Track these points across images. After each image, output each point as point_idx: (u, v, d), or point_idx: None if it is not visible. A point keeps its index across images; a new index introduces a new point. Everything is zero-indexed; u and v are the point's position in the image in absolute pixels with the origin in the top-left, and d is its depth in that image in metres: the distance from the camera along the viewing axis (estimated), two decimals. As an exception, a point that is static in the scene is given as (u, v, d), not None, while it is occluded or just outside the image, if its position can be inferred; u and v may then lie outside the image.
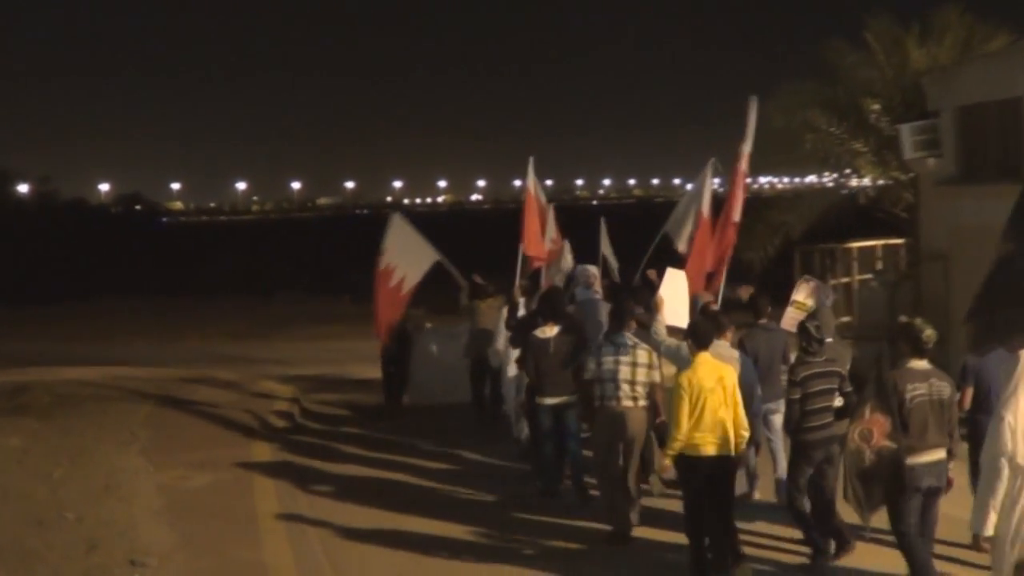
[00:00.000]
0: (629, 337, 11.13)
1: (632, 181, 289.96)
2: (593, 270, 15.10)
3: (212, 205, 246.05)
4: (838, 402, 9.82)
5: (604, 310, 13.56)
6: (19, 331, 32.25)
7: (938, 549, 9.35)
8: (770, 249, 21.75)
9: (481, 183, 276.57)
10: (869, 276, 21.10)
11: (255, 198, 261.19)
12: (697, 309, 12.82)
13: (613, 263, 16.83)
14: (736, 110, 15.13)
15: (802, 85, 21.83)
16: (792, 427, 9.84)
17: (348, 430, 16.87)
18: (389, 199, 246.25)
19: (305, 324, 33.20)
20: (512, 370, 14.06)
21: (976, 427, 9.98)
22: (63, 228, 69.22)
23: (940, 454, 8.75)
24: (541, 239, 16.45)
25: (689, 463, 9.58)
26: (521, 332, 13.21)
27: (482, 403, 16.88)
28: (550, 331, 12.31)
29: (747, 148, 14.71)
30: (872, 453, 8.54)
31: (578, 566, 10.32)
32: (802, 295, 13.05)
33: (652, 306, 12.24)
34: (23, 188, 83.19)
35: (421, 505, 12.31)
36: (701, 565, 9.64)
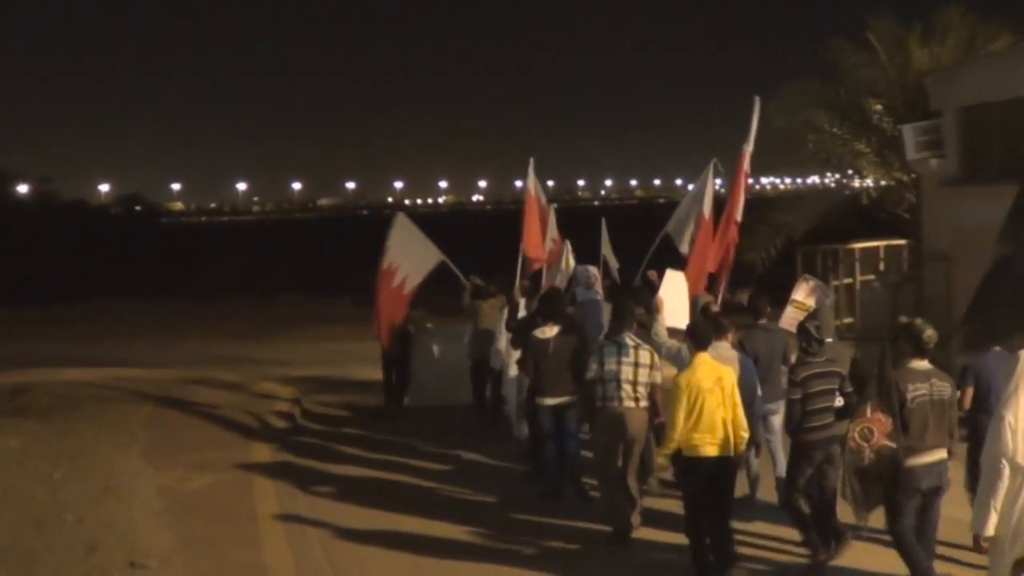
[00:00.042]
0: (631, 338, 11.14)
1: (634, 182, 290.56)
2: (593, 270, 15.16)
3: (212, 206, 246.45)
4: (839, 402, 9.80)
5: (605, 311, 13.58)
6: (19, 332, 32.18)
7: (938, 550, 9.31)
8: (772, 250, 21.76)
9: (482, 183, 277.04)
10: (871, 277, 21.08)
11: (255, 199, 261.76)
12: (697, 310, 12.85)
13: (613, 264, 16.80)
14: (738, 110, 15.16)
15: (804, 85, 21.85)
16: (793, 427, 9.81)
17: (348, 431, 16.84)
18: (390, 200, 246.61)
19: (306, 325, 33.12)
20: (513, 371, 14.02)
21: (976, 427, 9.98)
22: (63, 229, 69.18)
23: (940, 455, 8.75)
24: (541, 241, 16.45)
25: (689, 464, 9.59)
26: (522, 333, 13.19)
27: (483, 404, 16.84)
28: (550, 331, 12.31)
29: (749, 148, 14.69)
30: (871, 452, 8.53)
31: (578, 567, 10.31)
32: (801, 294, 13.02)
33: (652, 307, 12.23)
34: (23, 188, 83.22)
35: (421, 506, 12.28)
36: (703, 567, 9.61)
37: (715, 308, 12.86)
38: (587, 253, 16.51)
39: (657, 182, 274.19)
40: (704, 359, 9.65)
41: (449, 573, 10.33)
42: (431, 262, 17.16)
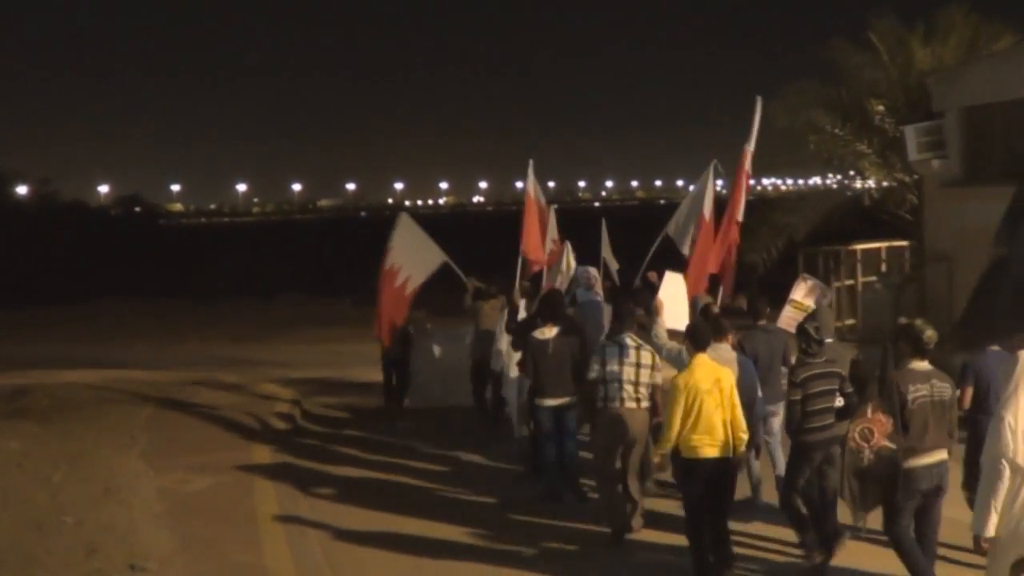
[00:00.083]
0: (632, 338, 11.16)
1: (635, 183, 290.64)
2: (593, 272, 15.19)
3: (212, 207, 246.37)
4: (839, 403, 9.77)
5: (605, 312, 13.56)
6: (18, 333, 32.15)
7: (939, 551, 9.26)
8: (774, 251, 21.72)
9: (483, 185, 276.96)
10: (873, 278, 21.06)
11: (256, 200, 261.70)
12: (697, 311, 12.83)
13: (612, 266, 16.76)
14: (740, 111, 15.16)
15: (806, 86, 21.84)
16: (793, 428, 9.78)
17: (349, 433, 16.78)
18: (390, 201, 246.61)
19: (306, 326, 33.11)
20: (514, 372, 13.98)
21: (976, 427, 9.96)
22: (62, 230, 69.06)
23: (941, 455, 8.73)
24: (541, 242, 16.40)
25: (688, 465, 9.58)
26: (522, 335, 13.17)
27: (483, 405, 16.82)
28: (549, 332, 12.31)
29: (751, 148, 14.67)
30: (871, 453, 8.53)
31: (578, 568, 10.30)
32: (800, 294, 13.04)
33: (652, 309, 12.23)
34: (22, 190, 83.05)
35: (422, 507, 12.25)
36: (703, 568, 9.59)
37: (715, 309, 12.80)
38: (587, 254, 16.48)
39: (658, 183, 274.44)
40: (703, 360, 9.63)
41: (449, 574, 10.30)
42: (434, 263, 17.11)
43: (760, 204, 22.59)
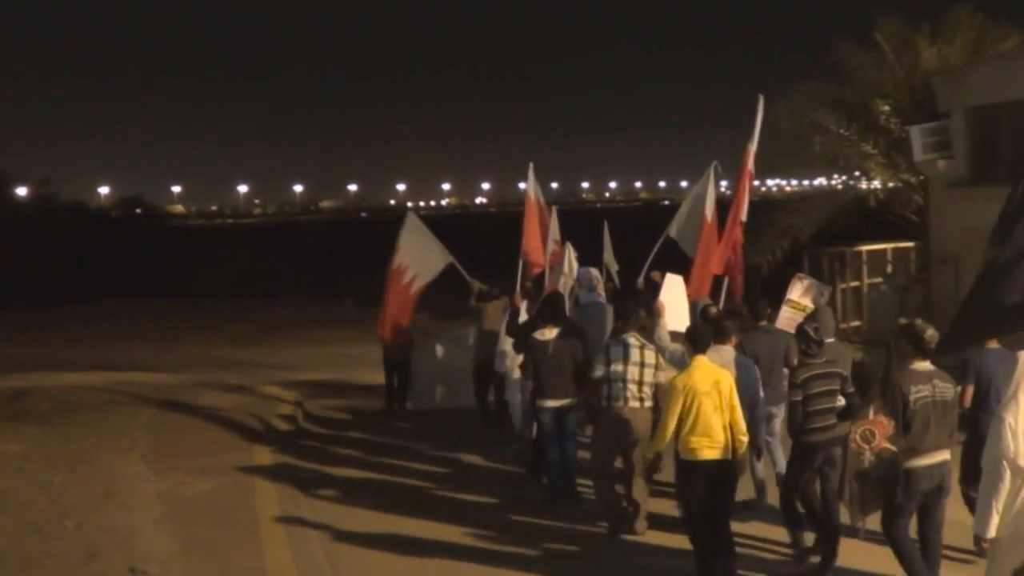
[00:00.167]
0: (636, 337, 11.17)
1: (638, 184, 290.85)
2: (595, 273, 15.23)
3: (213, 208, 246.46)
4: (841, 403, 9.75)
5: (608, 313, 13.58)
6: (18, 335, 32.17)
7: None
8: (778, 252, 21.63)
9: (485, 186, 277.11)
10: (879, 280, 20.98)
11: (257, 201, 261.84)
12: (697, 313, 12.86)
13: (613, 267, 16.72)
14: (744, 111, 15.10)
15: (811, 86, 21.77)
16: (795, 429, 9.77)
17: (351, 435, 16.74)
18: (392, 202, 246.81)
19: (307, 328, 33.11)
20: (518, 373, 14.01)
21: (976, 425, 9.96)
22: (63, 231, 69.12)
23: (942, 456, 8.72)
24: (541, 244, 16.44)
25: (688, 468, 9.57)
26: (523, 336, 13.19)
27: (485, 407, 16.79)
28: (549, 333, 12.30)
29: (754, 147, 14.62)
30: (872, 454, 8.53)
31: (580, 570, 10.31)
32: (796, 294, 13.09)
33: (654, 311, 12.31)
34: (22, 191, 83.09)
35: (424, 509, 12.22)
36: (707, 571, 9.57)
37: (714, 310, 12.74)
38: (590, 255, 16.41)
39: (662, 184, 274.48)
40: (702, 362, 9.63)
41: (451, 575, 10.27)
42: (440, 263, 17.12)
43: (764, 205, 22.53)
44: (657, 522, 11.17)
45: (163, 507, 12.35)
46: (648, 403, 10.96)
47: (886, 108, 20.95)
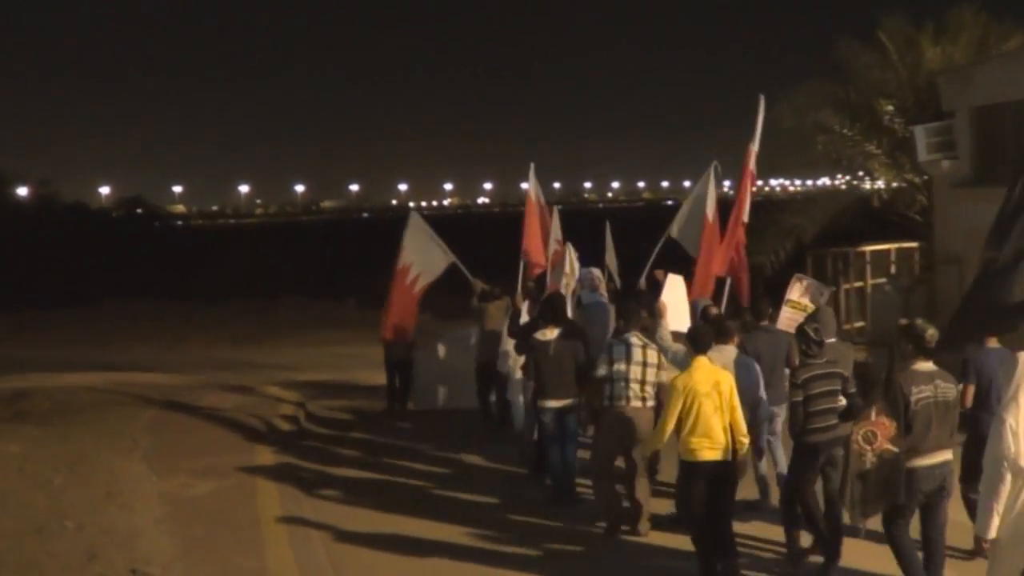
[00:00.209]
0: (638, 337, 11.17)
1: (641, 184, 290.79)
2: (597, 273, 15.22)
3: (215, 208, 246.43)
4: (842, 403, 9.74)
5: (610, 313, 13.64)
6: (19, 336, 32.18)
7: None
8: (782, 253, 21.57)
9: (487, 186, 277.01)
10: (883, 280, 20.89)
11: (258, 201, 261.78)
12: (697, 313, 12.84)
13: (614, 268, 16.69)
14: (746, 112, 15.08)
15: (814, 86, 21.72)
16: (796, 429, 9.76)
17: (353, 435, 16.70)
18: (394, 202, 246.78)
19: (309, 329, 33.12)
20: (520, 374, 14.02)
21: (977, 425, 9.92)
22: (63, 231, 69.16)
23: (944, 456, 8.70)
24: (542, 245, 16.45)
25: (688, 469, 9.58)
26: (524, 337, 13.19)
27: (487, 407, 16.77)
28: (550, 334, 12.28)
29: (755, 147, 14.58)
30: (874, 455, 8.50)
31: (581, 570, 10.30)
32: (796, 294, 13.11)
33: (655, 311, 12.26)
34: (22, 191, 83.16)
35: (425, 509, 12.19)
36: (709, 572, 9.55)
37: (714, 311, 12.71)
38: (591, 255, 16.37)
39: (665, 184, 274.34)
40: (702, 363, 9.63)
41: (453, 576, 10.29)
42: (442, 263, 17.11)
43: (768, 205, 22.46)
44: (659, 523, 11.14)
45: (164, 508, 12.32)
46: (650, 403, 10.94)
47: (890, 108, 20.91)
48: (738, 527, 10.13)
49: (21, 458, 14.07)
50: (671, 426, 9.49)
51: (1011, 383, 7.43)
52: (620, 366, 10.93)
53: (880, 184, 22.98)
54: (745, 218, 14.59)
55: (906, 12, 21.30)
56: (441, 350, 18.19)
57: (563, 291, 14.26)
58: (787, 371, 11.24)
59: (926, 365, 8.69)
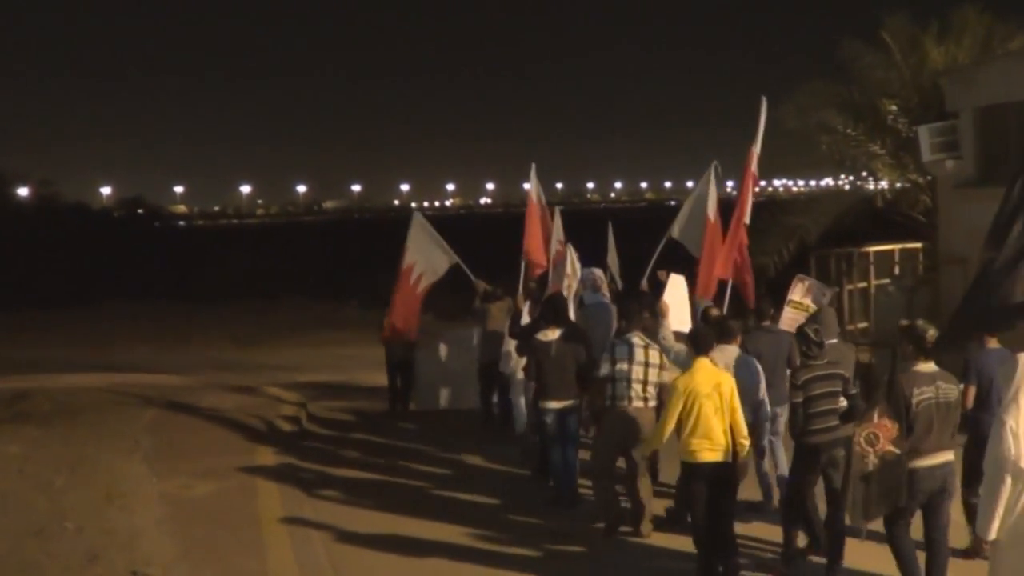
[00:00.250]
0: (641, 337, 11.19)
1: (644, 184, 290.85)
2: (599, 273, 15.17)
3: (216, 208, 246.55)
4: (843, 404, 9.74)
5: (613, 313, 13.66)
6: (19, 337, 32.12)
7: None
8: (785, 253, 21.49)
9: (490, 186, 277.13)
10: (886, 281, 20.81)
11: (260, 201, 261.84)
12: (698, 314, 12.87)
13: (616, 269, 16.67)
14: (749, 112, 15.06)
15: (817, 86, 21.63)
16: (796, 430, 9.76)
17: (354, 436, 16.72)
18: (396, 202, 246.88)
19: (311, 329, 33.12)
20: (522, 375, 13.98)
21: (977, 426, 9.92)
22: (64, 232, 69.17)
23: (945, 457, 8.70)
24: (543, 245, 16.46)
25: (689, 470, 9.60)
26: (526, 339, 13.18)
27: (490, 408, 16.75)
28: (552, 335, 12.26)
29: (757, 149, 14.55)
30: (876, 457, 8.49)
31: (582, 571, 10.32)
32: (798, 294, 13.13)
33: (657, 311, 12.29)
34: (23, 191, 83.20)
35: (427, 510, 12.18)
36: (709, 572, 9.57)
37: (715, 312, 12.70)
38: (593, 257, 16.34)
39: (668, 184, 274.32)
40: (703, 364, 9.65)
41: (454, 578, 10.28)
42: (445, 263, 17.10)
43: (771, 206, 22.39)
44: (661, 524, 11.15)
45: (165, 509, 12.29)
46: (652, 403, 10.95)
47: (893, 108, 20.83)
48: (740, 528, 10.14)
49: (21, 459, 14.08)
50: (671, 427, 9.52)
51: (1011, 384, 7.40)
52: (622, 366, 10.93)
53: (884, 184, 22.91)
54: (747, 220, 14.54)
55: (910, 12, 21.26)
56: (442, 350, 18.20)
57: (565, 292, 14.23)
58: (788, 371, 11.24)
59: (928, 366, 8.70)
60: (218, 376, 22.68)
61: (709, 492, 9.45)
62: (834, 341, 10.84)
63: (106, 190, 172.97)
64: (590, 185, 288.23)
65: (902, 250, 21.89)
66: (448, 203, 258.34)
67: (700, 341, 9.86)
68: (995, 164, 18.12)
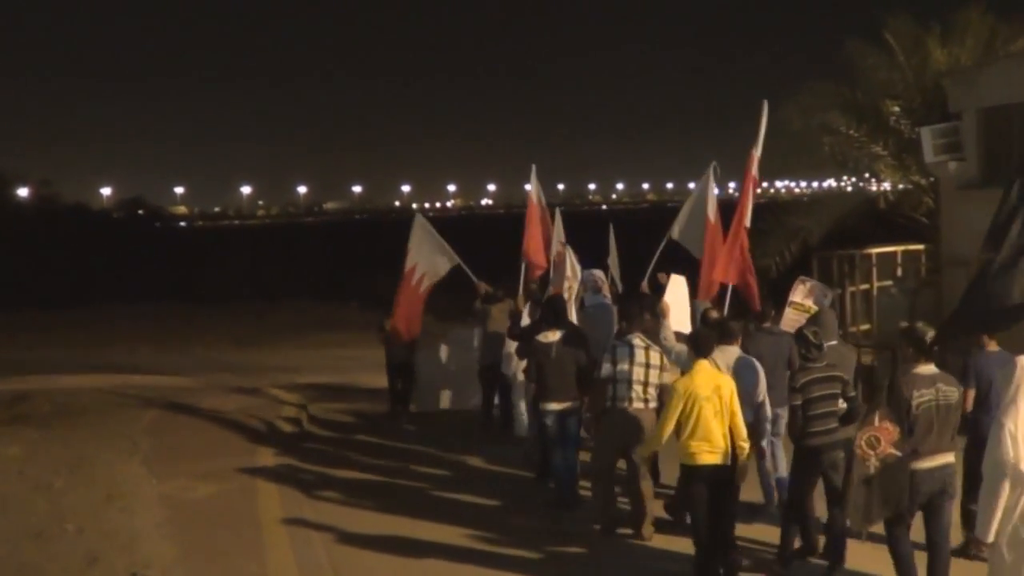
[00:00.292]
0: (641, 338, 11.20)
1: (646, 185, 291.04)
2: (600, 274, 15.18)
3: (216, 209, 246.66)
4: (842, 406, 9.74)
5: (614, 314, 13.64)
6: (19, 338, 32.11)
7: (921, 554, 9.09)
8: (787, 255, 21.38)
9: (491, 187, 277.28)
10: (889, 283, 20.71)
11: (260, 202, 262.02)
12: (697, 316, 12.88)
13: (616, 271, 16.65)
14: (753, 113, 14.99)
15: (820, 87, 21.51)
16: (795, 433, 9.80)
17: (355, 438, 16.71)
18: (397, 203, 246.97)
19: (311, 331, 33.11)
20: (523, 377, 13.96)
21: (977, 427, 9.90)
22: (64, 232, 69.22)
23: (945, 459, 8.69)
24: (542, 246, 16.50)
25: (688, 472, 9.62)
26: (526, 340, 13.19)
27: (491, 409, 16.72)
28: (553, 336, 12.25)
29: (757, 152, 14.52)
30: (877, 460, 8.50)
31: (583, 573, 10.33)
32: (799, 296, 13.14)
33: (658, 311, 12.32)
34: (23, 192, 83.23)
35: (428, 512, 12.17)
36: (705, 573, 9.58)
37: (714, 315, 12.66)
38: (595, 259, 16.32)
39: (670, 185, 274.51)
40: (704, 366, 9.66)
41: (454, 580, 10.28)
42: (446, 264, 17.11)
43: (773, 207, 22.33)
44: (662, 525, 11.15)
45: (165, 511, 12.28)
46: (652, 404, 10.96)
47: (896, 109, 20.73)
48: (740, 529, 10.16)
49: (21, 461, 14.13)
50: (670, 428, 9.54)
51: (1010, 387, 7.44)
52: (623, 367, 10.95)
53: (886, 186, 22.86)
54: (747, 223, 14.49)
55: (913, 12, 21.17)
56: (443, 352, 18.21)
57: (565, 294, 14.22)
58: (788, 373, 11.23)
59: (928, 368, 8.67)
60: (218, 377, 22.69)
61: (708, 494, 9.47)
62: (833, 343, 10.86)
63: (106, 191, 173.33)
64: (592, 186, 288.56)
65: (905, 252, 21.77)
66: (449, 204, 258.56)
67: (701, 343, 9.87)
68: (998, 165, 18.03)
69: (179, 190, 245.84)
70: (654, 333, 11.85)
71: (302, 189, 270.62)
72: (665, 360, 11.16)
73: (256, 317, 38.14)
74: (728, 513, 9.66)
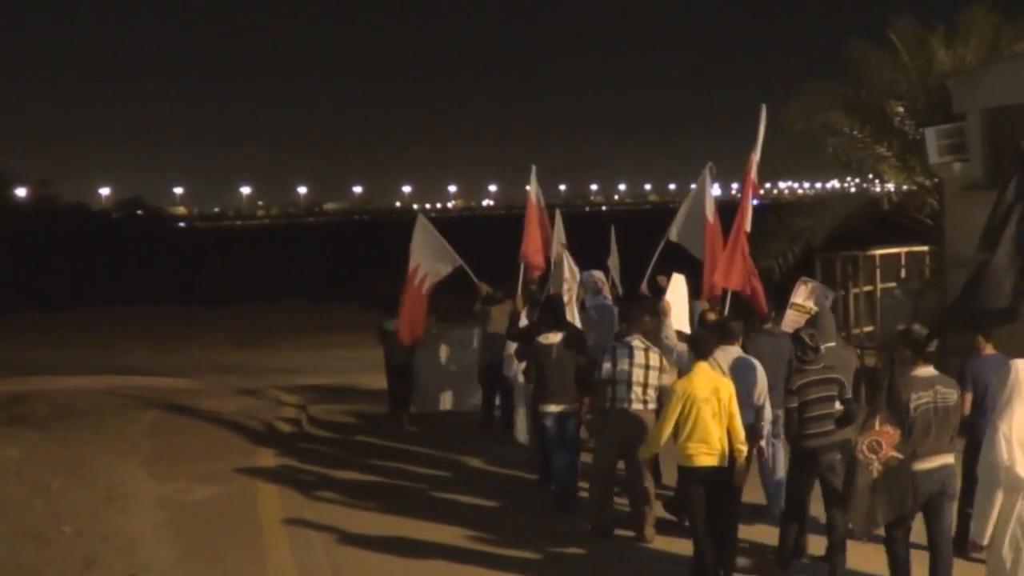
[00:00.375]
0: (640, 340, 11.27)
1: (648, 186, 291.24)
2: (600, 275, 15.21)
3: (216, 210, 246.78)
4: (839, 408, 9.77)
5: (615, 315, 13.74)
6: (17, 339, 32.04)
7: (924, 554, 9.09)
8: (790, 256, 21.27)
9: (492, 188, 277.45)
10: (892, 284, 20.68)
11: (260, 203, 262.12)
12: (695, 317, 12.82)
13: (616, 273, 16.61)
14: (754, 114, 14.91)
15: (823, 87, 21.38)
16: (792, 435, 9.83)
17: (355, 439, 16.77)
18: (398, 204, 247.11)
19: (311, 332, 33.11)
20: (523, 378, 13.89)
21: (974, 430, 9.91)
22: (63, 233, 69.23)
23: (944, 460, 8.73)
24: (541, 247, 16.49)
25: (687, 474, 9.69)
26: (525, 342, 13.20)
27: (491, 410, 16.75)
28: (553, 338, 12.30)
29: (756, 156, 14.47)
30: (880, 464, 8.51)
31: (583, 575, 10.38)
32: (800, 297, 13.18)
33: (659, 311, 12.33)
34: (22, 192, 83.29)
35: (428, 513, 12.21)
36: (702, 573, 9.63)
37: (712, 316, 12.68)
38: (595, 261, 16.26)
39: (672, 186, 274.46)
40: (703, 368, 9.76)
41: (455, 581, 10.27)
42: (448, 264, 17.06)
43: (776, 208, 22.27)
44: (663, 527, 11.18)
45: (164, 513, 12.27)
46: (652, 405, 11.02)
47: (900, 110, 20.62)
48: (741, 530, 10.21)
49: (19, 462, 14.13)
50: (668, 430, 9.61)
51: (1004, 390, 7.54)
52: (622, 368, 11.00)
53: (890, 187, 22.72)
54: (747, 227, 14.43)
55: (917, 12, 21.07)
56: (443, 352, 18.20)
57: (565, 296, 14.17)
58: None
59: (926, 370, 8.73)
60: (218, 378, 22.70)
61: (706, 496, 9.51)
62: (832, 344, 10.90)
63: (105, 191, 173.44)
64: (594, 187, 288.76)
65: (908, 253, 21.71)
66: (450, 205, 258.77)
67: (700, 345, 9.97)
68: (1003, 166, 17.93)
69: (178, 190, 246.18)
70: (654, 334, 11.87)
71: (302, 189, 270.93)
72: (664, 362, 11.20)
73: (256, 318, 38.12)
74: (727, 514, 9.69)
